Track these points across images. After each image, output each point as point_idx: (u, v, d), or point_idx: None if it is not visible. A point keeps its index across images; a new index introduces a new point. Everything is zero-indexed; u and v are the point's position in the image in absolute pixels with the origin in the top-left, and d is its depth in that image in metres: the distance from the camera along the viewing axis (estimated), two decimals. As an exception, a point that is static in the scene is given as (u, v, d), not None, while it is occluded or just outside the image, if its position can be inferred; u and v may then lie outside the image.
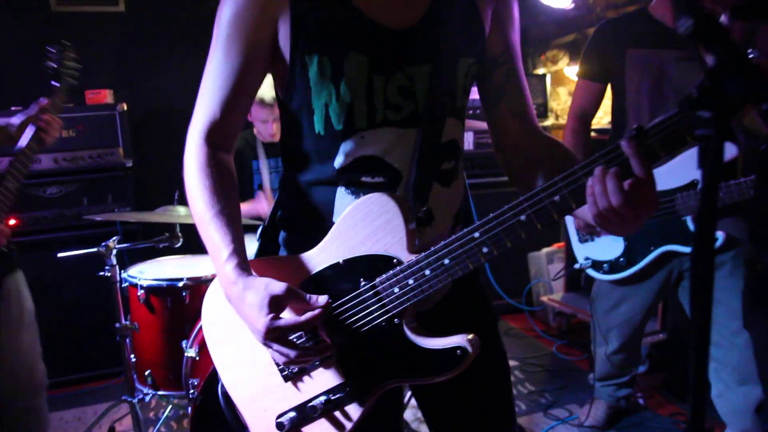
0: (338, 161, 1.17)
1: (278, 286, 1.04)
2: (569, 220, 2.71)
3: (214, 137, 1.17)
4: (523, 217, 0.98)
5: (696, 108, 0.65)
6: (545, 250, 4.27)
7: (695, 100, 0.65)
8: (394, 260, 1.10)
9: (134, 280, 2.59)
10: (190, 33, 4.06)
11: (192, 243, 2.81)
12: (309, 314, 1.06)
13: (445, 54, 1.17)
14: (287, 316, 1.07)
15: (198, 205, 1.14)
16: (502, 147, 1.33)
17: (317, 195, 1.21)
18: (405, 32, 1.14)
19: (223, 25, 1.15)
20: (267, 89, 2.92)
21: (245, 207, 3.13)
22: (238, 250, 1.10)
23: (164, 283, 2.55)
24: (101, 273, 2.44)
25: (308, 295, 1.08)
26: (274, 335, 1.04)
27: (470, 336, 1.06)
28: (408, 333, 1.09)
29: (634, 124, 2.37)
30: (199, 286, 2.56)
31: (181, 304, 2.55)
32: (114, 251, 2.41)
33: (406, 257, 1.09)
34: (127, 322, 2.53)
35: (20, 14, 3.80)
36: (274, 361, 1.18)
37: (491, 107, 1.32)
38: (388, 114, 1.15)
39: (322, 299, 1.08)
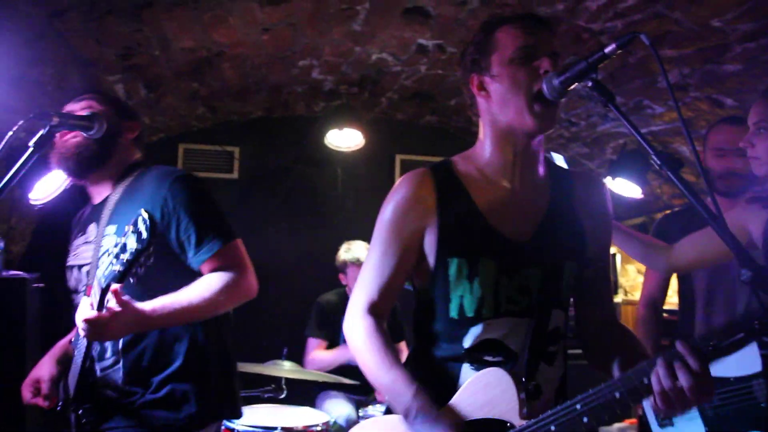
0: (467, 342, 1.42)
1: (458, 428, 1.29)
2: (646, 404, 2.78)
3: (373, 311, 1.48)
4: (617, 395, 1.18)
5: (761, 335, 0.90)
6: (617, 425, 4.25)
7: (758, 330, 0.91)
8: (508, 424, 1.30)
9: (231, 425, 2.80)
10: (288, 200, 4.62)
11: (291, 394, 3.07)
12: None
13: (554, 260, 1.45)
14: None
15: (372, 361, 1.43)
16: (584, 330, 1.58)
17: (445, 368, 1.45)
18: (524, 244, 1.44)
19: (384, 226, 1.49)
20: (364, 252, 3.31)
21: (334, 353, 3.53)
22: (420, 389, 1.36)
23: (260, 431, 2.76)
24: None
25: None
26: None
27: None
28: None
29: (701, 307, 2.51)
30: (291, 436, 2.76)
31: (274, 451, 2.74)
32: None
33: (518, 422, 1.30)
34: (226, 467, 2.73)
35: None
36: None
37: (580, 297, 1.58)
38: (509, 306, 1.41)
39: None
